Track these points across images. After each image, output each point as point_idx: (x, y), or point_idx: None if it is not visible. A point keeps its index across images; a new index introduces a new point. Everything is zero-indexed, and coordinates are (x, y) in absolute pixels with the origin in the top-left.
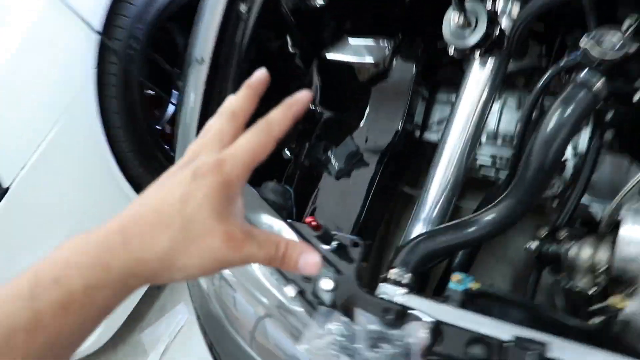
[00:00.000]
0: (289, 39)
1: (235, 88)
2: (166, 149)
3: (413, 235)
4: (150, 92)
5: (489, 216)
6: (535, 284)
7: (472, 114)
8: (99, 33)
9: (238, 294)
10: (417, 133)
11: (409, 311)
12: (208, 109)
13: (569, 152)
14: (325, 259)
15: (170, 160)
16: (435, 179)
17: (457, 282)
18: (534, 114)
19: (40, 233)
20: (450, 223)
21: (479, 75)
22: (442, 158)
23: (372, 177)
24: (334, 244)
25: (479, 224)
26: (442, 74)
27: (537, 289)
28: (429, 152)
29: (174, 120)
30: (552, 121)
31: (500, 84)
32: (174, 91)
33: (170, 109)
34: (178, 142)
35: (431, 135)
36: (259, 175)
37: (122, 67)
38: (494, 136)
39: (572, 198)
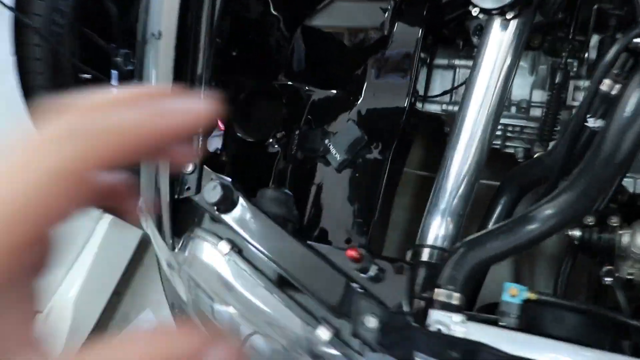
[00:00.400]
0: (270, 1)
1: (208, 69)
2: None
3: (432, 229)
4: (85, 76)
5: (546, 211)
6: (568, 276)
7: (494, 82)
8: (10, 9)
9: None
10: (419, 104)
11: (477, 345)
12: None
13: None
14: (365, 291)
15: None
16: (454, 160)
17: (513, 295)
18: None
19: None
20: (501, 224)
21: (501, 38)
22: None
23: (381, 167)
24: (373, 269)
25: (535, 222)
26: (442, 33)
27: (569, 281)
28: (426, 124)
29: None
30: (630, 103)
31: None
32: (113, 72)
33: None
34: None
35: (432, 107)
36: (243, 177)
37: (48, 49)
38: (507, 104)
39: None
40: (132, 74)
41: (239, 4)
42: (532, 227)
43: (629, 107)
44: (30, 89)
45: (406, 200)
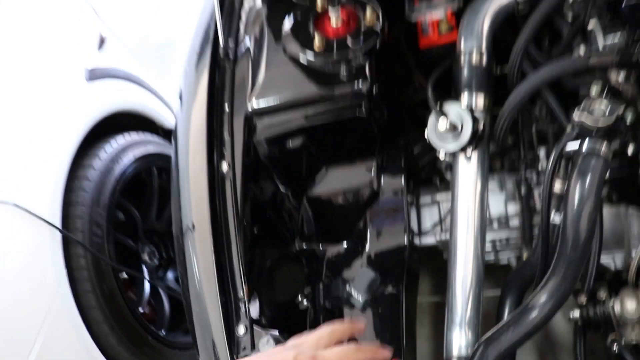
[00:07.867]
0: (277, 182)
1: (241, 251)
2: (154, 331)
3: (454, 341)
4: (124, 275)
5: (541, 299)
6: (585, 352)
7: (473, 207)
8: (58, 229)
9: None
10: (417, 240)
11: None
12: (222, 277)
13: None
14: None
15: (162, 342)
16: (457, 280)
17: None
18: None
19: None
20: (507, 319)
21: (468, 170)
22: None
23: (397, 300)
24: None
25: (536, 310)
26: (420, 177)
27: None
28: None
29: (154, 299)
30: (576, 195)
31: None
32: (144, 268)
33: (147, 287)
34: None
35: (428, 239)
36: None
37: (91, 257)
38: (489, 222)
39: (592, 258)
40: (159, 268)
41: (255, 188)
42: (534, 314)
43: (575, 197)
44: (79, 294)
45: (426, 329)
